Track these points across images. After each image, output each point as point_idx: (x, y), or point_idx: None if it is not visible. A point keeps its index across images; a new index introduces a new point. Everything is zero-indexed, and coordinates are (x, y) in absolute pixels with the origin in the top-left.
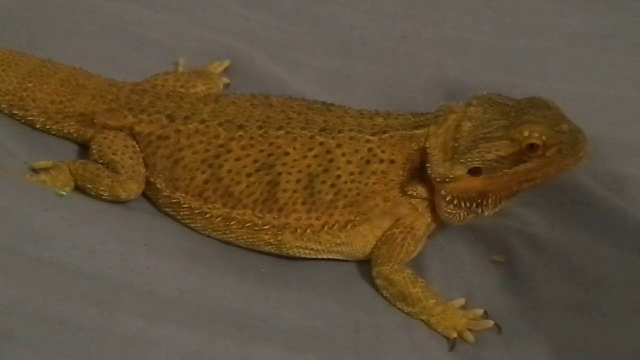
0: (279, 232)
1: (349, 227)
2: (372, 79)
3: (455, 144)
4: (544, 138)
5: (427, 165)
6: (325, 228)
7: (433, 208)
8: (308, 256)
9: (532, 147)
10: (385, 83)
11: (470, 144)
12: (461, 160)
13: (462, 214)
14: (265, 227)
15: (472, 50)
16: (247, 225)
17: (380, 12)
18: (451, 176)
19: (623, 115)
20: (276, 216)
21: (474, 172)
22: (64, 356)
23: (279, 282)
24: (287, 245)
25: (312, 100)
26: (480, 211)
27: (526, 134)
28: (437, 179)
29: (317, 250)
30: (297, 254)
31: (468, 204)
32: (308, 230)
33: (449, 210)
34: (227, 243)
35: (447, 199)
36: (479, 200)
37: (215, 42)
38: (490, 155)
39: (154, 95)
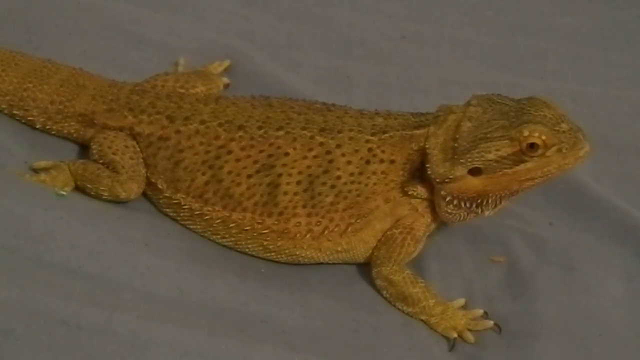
0: (279, 238)
1: (349, 231)
2: (372, 79)
3: (455, 144)
4: (543, 138)
5: (427, 165)
6: (326, 232)
7: (433, 208)
8: (309, 263)
9: (532, 146)
10: (385, 83)
11: (470, 144)
12: (461, 161)
13: (462, 214)
14: (265, 232)
15: (472, 50)
16: (246, 229)
17: (380, 12)
18: (451, 176)
19: (623, 115)
20: (276, 221)
21: (474, 172)
22: (64, 356)
23: (279, 282)
24: (287, 252)
25: (312, 100)
26: (480, 211)
27: (526, 133)
28: (437, 179)
29: (318, 257)
30: (297, 262)
31: (468, 204)
32: (308, 236)
33: (449, 210)
34: (227, 248)
35: (447, 199)
36: (479, 200)
37: (215, 42)
38: (490, 155)
39: (154, 95)
